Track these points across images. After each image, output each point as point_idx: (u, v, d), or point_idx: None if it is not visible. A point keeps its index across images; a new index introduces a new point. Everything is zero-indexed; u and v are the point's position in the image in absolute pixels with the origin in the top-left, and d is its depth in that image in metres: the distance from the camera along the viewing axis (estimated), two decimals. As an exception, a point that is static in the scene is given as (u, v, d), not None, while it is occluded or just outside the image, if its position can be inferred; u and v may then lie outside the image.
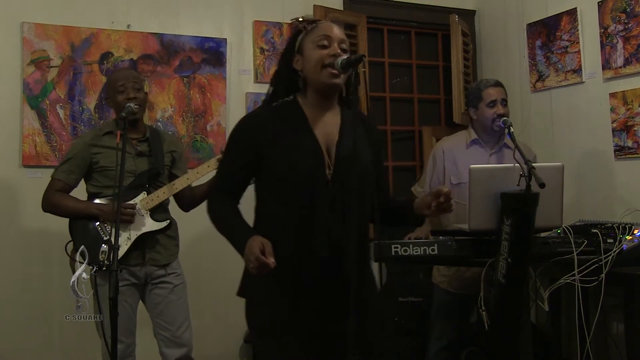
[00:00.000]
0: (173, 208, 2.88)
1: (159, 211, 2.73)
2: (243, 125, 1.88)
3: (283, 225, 1.77)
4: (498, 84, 3.01)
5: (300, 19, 1.89)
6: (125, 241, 2.61)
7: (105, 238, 2.61)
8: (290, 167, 1.77)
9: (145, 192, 2.69)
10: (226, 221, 1.84)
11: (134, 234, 2.63)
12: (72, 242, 2.65)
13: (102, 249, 2.58)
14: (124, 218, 2.56)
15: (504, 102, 2.97)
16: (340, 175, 1.78)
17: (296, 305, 1.77)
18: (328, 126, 1.84)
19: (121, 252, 2.58)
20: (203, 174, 2.74)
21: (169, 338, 2.74)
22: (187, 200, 2.84)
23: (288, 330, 1.78)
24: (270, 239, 1.70)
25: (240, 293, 1.89)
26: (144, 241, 2.67)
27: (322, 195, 1.75)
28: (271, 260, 1.62)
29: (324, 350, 1.78)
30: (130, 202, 2.64)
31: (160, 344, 2.77)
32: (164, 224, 2.70)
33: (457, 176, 2.97)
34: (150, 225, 2.67)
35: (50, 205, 2.68)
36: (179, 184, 2.73)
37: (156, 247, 2.71)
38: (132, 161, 2.68)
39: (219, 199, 1.87)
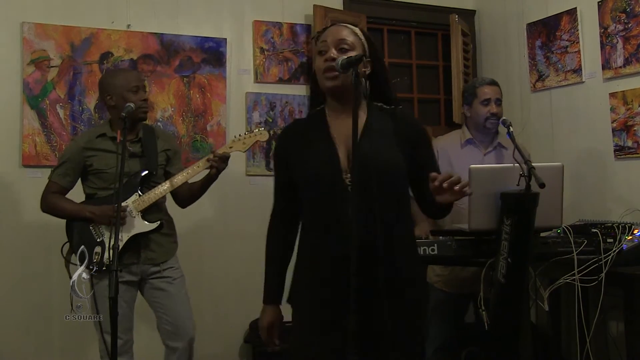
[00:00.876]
0: (171, 206, 2.89)
1: (152, 211, 2.73)
2: (276, 143, 2.04)
3: (310, 234, 1.86)
4: (493, 83, 3.01)
5: (316, 34, 1.93)
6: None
7: (98, 240, 2.64)
8: (307, 175, 1.83)
9: (137, 194, 2.69)
10: (267, 262, 1.97)
11: (126, 236, 2.64)
12: (68, 244, 2.68)
13: (95, 251, 2.61)
14: (113, 221, 2.53)
15: (499, 101, 2.97)
16: (357, 177, 1.75)
17: (327, 308, 1.78)
18: (349, 129, 1.82)
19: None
20: (193, 175, 2.74)
21: (172, 331, 2.76)
22: (183, 196, 2.85)
23: (319, 336, 1.80)
24: (304, 250, 1.88)
25: (288, 299, 1.96)
26: (137, 241, 2.69)
27: (342, 200, 1.75)
28: (274, 343, 1.93)
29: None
30: (122, 204, 2.61)
31: (163, 337, 2.79)
32: (154, 225, 2.70)
33: None
34: (141, 226, 2.68)
35: (47, 207, 2.73)
36: (172, 184, 2.72)
37: (150, 245, 2.73)
38: (125, 163, 2.64)
39: (276, 227, 1.98)
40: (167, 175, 2.82)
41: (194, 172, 2.73)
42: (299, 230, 1.94)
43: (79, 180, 2.78)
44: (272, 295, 1.94)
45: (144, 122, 2.82)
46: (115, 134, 2.68)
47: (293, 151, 1.88)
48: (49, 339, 3.35)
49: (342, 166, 1.80)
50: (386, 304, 1.77)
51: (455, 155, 3.01)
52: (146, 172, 2.72)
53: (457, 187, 1.69)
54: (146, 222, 2.69)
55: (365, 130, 1.82)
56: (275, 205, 2.00)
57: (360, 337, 1.51)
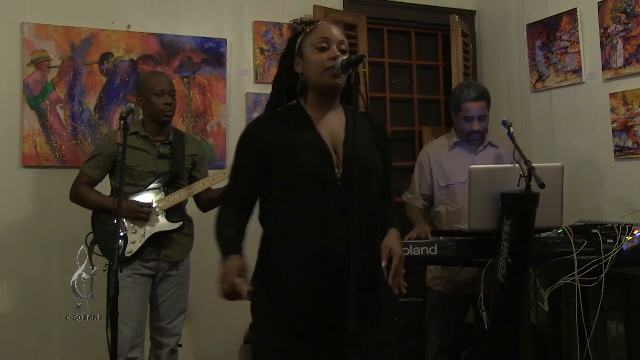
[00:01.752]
0: (189, 206, 2.96)
1: (175, 211, 2.83)
2: (247, 131, 1.89)
3: (294, 226, 1.76)
4: (478, 98, 2.90)
5: (299, 20, 1.88)
6: (139, 238, 2.75)
7: (121, 233, 2.72)
8: (299, 167, 1.76)
9: (163, 193, 2.80)
10: (221, 230, 1.83)
11: (149, 232, 2.76)
12: (92, 234, 2.77)
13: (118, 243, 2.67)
14: (140, 216, 2.71)
15: (482, 117, 2.92)
16: (349, 174, 1.75)
17: (305, 305, 1.74)
18: (332, 126, 1.84)
19: (135, 247, 2.73)
20: (218, 181, 2.85)
21: (161, 328, 2.87)
22: (203, 201, 2.95)
23: (291, 332, 1.76)
24: (281, 241, 1.75)
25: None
26: (159, 239, 2.80)
27: (334, 194, 1.74)
28: (245, 291, 1.62)
29: (326, 350, 1.76)
30: (147, 202, 2.77)
31: (151, 331, 2.89)
32: (176, 225, 2.81)
33: (445, 179, 2.99)
34: (164, 225, 2.79)
35: (76, 196, 2.83)
36: (196, 188, 2.85)
37: (172, 245, 2.84)
38: (154, 162, 2.81)
39: (229, 213, 1.86)
40: (191, 179, 2.93)
41: (219, 179, 2.84)
42: (265, 224, 1.85)
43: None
44: (233, 246, 1.75)
45: (171, 124, 2.94)
46: (147, 134, 2.82)
47: (274, 141, 1.79)
48: (49, 339, 3.35)
49: (334, 161, 1.79)
50: (380, 303, 1.80)
51: (445, 158, 3.01)
52: (174, 174, 2.82)
53: (390, 278, 1.74)
54: (169, 222, 2.80)
55: (347, 130, 1.83)
56: (231, 193, 1.89)
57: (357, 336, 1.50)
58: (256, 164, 1.81)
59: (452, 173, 2.96)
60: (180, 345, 2.91)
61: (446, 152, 3.03)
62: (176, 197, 2.81)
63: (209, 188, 2.91)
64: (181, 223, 2.82)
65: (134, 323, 2.69)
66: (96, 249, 2.71)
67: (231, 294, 1.63)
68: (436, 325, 3.08)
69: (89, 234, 2.75)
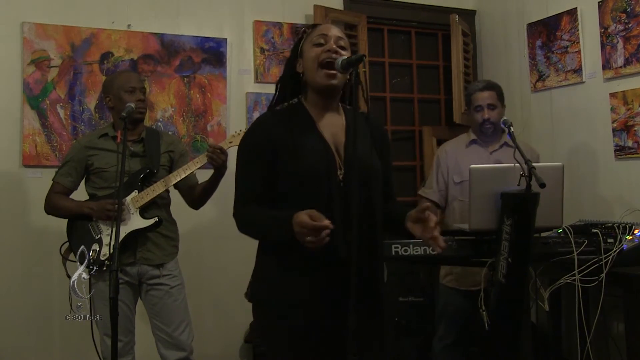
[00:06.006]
0: (178, 209, 2.89)
1: (151, 209, 2.72)
2: (251, 132, 1.86)
3: None
4: (487, 88, 3.03)
5: (302, 26, 1.90)
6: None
7: (96, 237, 2.64)
8: (303, 168, 1.74)
9: (136, 191, 2.70)
10: (253, 222, 1.78)
11: (123, 232, 2.61)
12: (67, 243, 2.69)
13: (92, 248, 2.61)
14: (110, 214, 2.57)
15: (491, 106, 3.01)
16: (350, 176, 1.73)
17: (311, 305, 1.74)
18: (333, 127, 1.84)
19: (110, 250, 2.58)
20: (192, 170, 2.75)
21: (166, 339, 2.74)
22: (188, 197, 2.86)
23: (301, 334, 1.75)
24: (283, 245, 1.70)
25: (250, 298, 1.87)
26: (135, 240, 2.68)
27: (337, 196, 1.73)
28: (326, 222, 1.54)
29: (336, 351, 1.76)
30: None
31: (158, 344, 2.77)
32: (151, 222, 2.69)
33: (460, 175, 3.05)
34: (137, 223, 2.67)
35: (50, 207, 2.75)
36: (170, 180, 2.73)
37: (147, 244, 2.71)
38: (126, 162, 2.65)
39: (244, 210, 1.80)
40: None
41: (193, 168, 2.74)
42: None
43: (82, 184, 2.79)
44: (283, 214, 1.65)
45: (144, 123, 2.85)
46: (117, 134, 2.68)
47: (280, 142, 1.77)
48: (49, 339, 3.35)
49: (336, 163, 1.78)
50: (380, 304, 1.81)
51: (462, 154, 3.09)
52: (147, 170, 2.72)
53: (424, 216, 1.67)
54: (143, 219, 2.69)
55: (348, 132, 1.83)
56: (244, 193, 1.81)
57: (357, 338, 1.51)
58: (265, 164, 1.78)
59: (467, 169, 2.99)
60: None
61: (463, 149, 3.12)
62: (149, 192, 2.68)
63: (194, 185, 2.81)
64: (156, 219, 2.69)
65: (120, 335, 2.49)
66: (72, 256, 2.63)
67: (318, 237, 1.55)
68: (447, 323, 3.10)
69: (63, 243, 2.69)
